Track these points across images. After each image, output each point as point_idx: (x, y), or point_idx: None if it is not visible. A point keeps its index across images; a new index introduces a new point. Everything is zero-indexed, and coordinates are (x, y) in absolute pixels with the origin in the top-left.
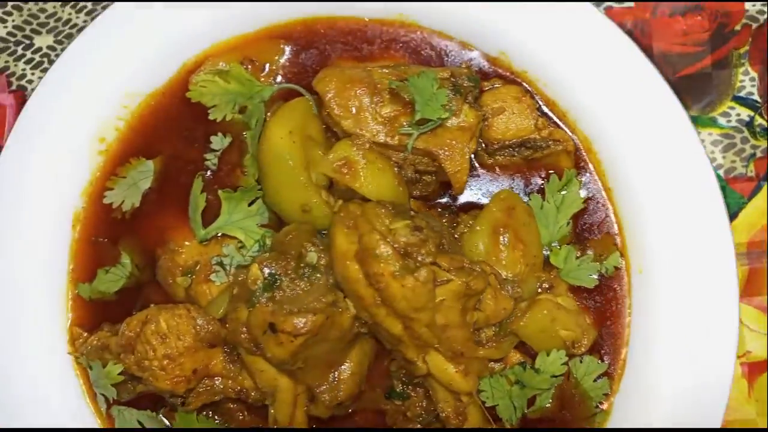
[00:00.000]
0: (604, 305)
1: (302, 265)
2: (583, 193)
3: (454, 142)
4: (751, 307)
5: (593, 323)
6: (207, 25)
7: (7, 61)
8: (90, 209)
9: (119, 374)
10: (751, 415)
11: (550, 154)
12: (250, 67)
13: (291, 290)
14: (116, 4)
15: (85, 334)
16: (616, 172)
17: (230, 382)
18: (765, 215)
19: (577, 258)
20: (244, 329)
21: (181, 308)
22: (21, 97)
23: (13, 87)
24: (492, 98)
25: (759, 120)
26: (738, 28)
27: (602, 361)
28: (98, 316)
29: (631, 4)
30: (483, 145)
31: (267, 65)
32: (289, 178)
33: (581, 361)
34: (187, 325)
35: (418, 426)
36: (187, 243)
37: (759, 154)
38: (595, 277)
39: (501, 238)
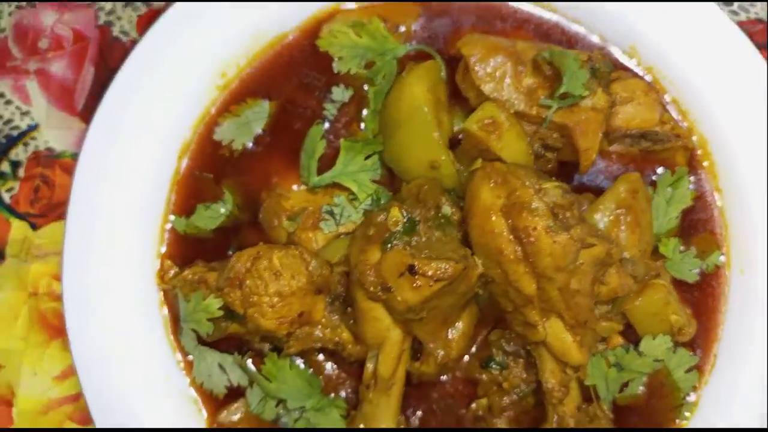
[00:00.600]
0: (700, 300)
1: (439, 215)
2: (691, 192)
3: (588, 120)
4: None
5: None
6: None
7: None
8: (199, 143)
9: (218, 309)
10: None
11: (667, 149)
12: (384, 26)
13: (427, 238)
14: None
15: (176, 268)
16: (728, 175)
17: (329, 331)
18: None
19: (681, 252)
20: (372, 272)
21: (294, 249)
22: (106, 33)
23: (101, 22)
24: (621, 88)
25: None
26: None
27: (694, 354)
28: (191, 252)
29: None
30: (604, 132)
31: (401, 27)
32: (423, 132)
33: (674, 352)
34: (300, 266)
35: (513, 398)
36: (295, 188)
37: None
38: (697, 272)
39: (622, 218)
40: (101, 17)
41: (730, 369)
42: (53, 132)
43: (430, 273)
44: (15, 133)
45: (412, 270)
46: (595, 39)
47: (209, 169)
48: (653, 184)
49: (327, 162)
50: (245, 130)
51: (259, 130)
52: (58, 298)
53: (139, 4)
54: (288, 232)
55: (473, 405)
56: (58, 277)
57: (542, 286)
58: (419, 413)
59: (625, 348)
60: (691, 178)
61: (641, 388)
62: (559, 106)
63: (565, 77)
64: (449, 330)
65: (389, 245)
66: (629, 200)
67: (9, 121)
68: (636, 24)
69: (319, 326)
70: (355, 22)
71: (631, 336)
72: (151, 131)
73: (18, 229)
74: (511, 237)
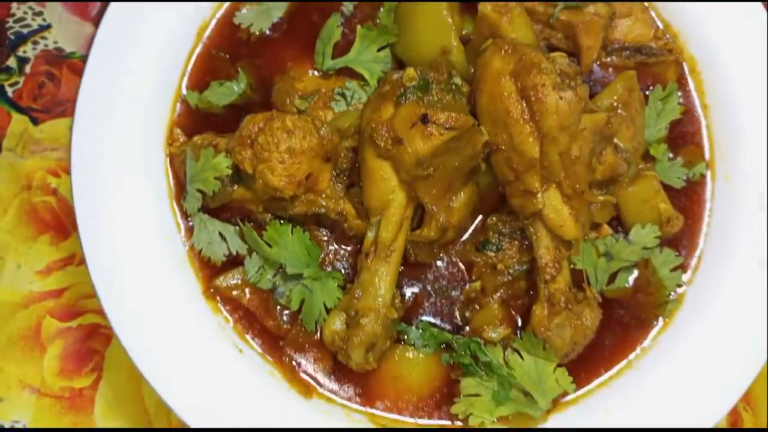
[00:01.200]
0: (687, 205)
1: (450, 81)
2: (680, 106)
3: (592, 21)
4: None
5: None
6: None
7: None
8: (218, 24)
9: (227, 167)
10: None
11: (659, 63)
12: None
13: (438, 99)
14: None
15: (185, 137)
16: (714, 92)
17: (332, 201)
18: None
19: (670, 159)
20: (385, 128)
21: (306, 116)
22: None
23: None
24: (620, 4)
25: None
26: None
27: (679, 254)
28: (200, 126)
29: None
30: (602, 43)
31: None
32: (436, 18)
33: (660, 252)
34: (312, 129)
35: (506, 278)
36: (309, 72)
37: None
38: (683, 179)
39: (619, 113)
40: None
41: (714, 271)
42: (64, 33)
43: (442, 120)
44: (25, 31)
45: (425, 119)
46: None
47: (226, 50)
48: (646, 98)
49: (340, 52)
50: (265, 16)
51: (277, 18)
52: (52, 192)
53: None
54: (299, 110)
55: (467, 287)
56: (54, 173)
57: (545, 150)
58: (414, 292)
59: (615, 237)
60: (680, 94)
61: (629, 282)
62: (566, 5)
63: None
64: (452, 197)
65: (404, 99)
66: (626, 96)
67: (21, 20)
68: None
69: (324, 195)
70: None
71: (624, 227)
72: (171, 11)
73: (18, 122)
74: (518, 97)
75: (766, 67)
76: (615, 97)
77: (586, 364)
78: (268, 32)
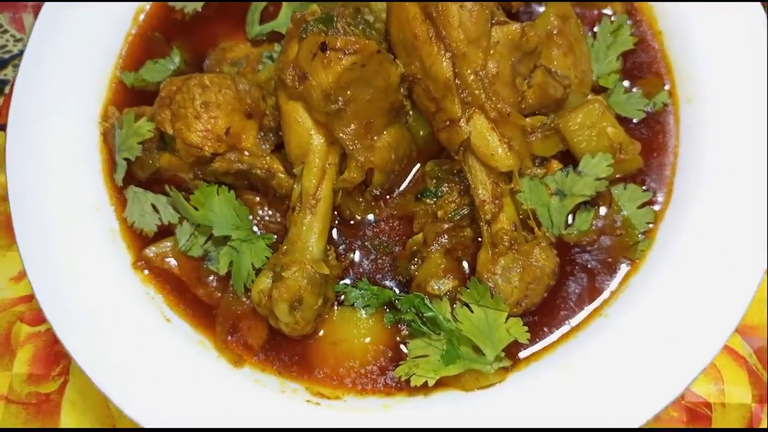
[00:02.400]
0: (650, 137)
1: (359, 17)
2: (633, 36)
3: None
4: None
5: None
6: None
7: None
8: (154, 7)
9: (149, 131)
10: None
11: None
12: None
13: (345, 33)
14: None
15: (118, 115)
16: (667, 17)
17: (258, 159)
18: None
19: (626, 92)
20: (291, 67)
21: (226, 74)
22: None
23: None
24: None
25: None
26: None
27: (646, 189)
28: (137, 103)
29: None
30: None
31: None
32: None
33: (625, 188)
34: (229, 84)
35: (447, 225)
36: (240, 45)
37: None
38: (643, 110)
39: (555, 40)
40: None
41: (686, 202)
42: None
43: (339, 45)
44: (6, 56)
45: (323, 47)
46: None
47: (162, 30)
48: (594, 35)
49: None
50: None
51: None
52: None
53: None
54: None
55: (409, 240)
56: None
57: (459, 70)
58: (354, 251)
59: (564, 171)
60: (630, 23)
61: (591, 224)
62: None
63: None
64: (373, 136)
65: (305, 33)
66: (560, 24)
67: (2, 47)
68: None
69: (248, 152)
70: None
71: (576, 159)
72: None
73: None
74: (423, 17)
75: None
76: (547, 25)
77: (550, 316)
78: (200, 10)
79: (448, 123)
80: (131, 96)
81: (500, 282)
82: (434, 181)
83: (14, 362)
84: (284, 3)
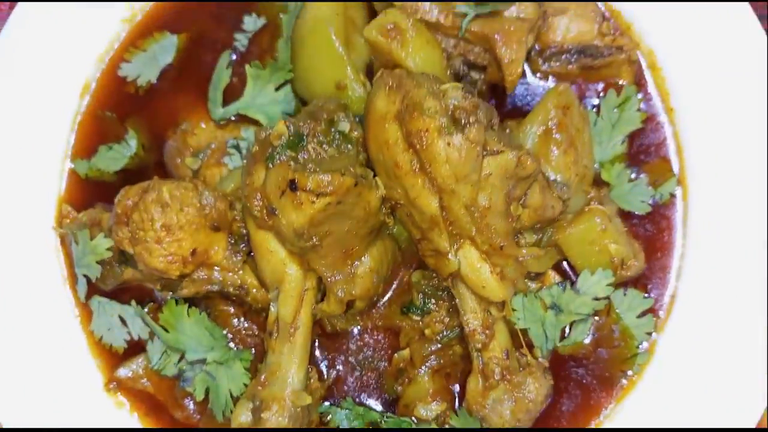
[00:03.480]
0: (654, 235)
1: (333, 130)
2: (641, 113)
3: (512, 28)
4: None
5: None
6: None
7: None
8: (102, 80)
9: (108, 249)
10: None
11: (610, 64)
12: None
13: (317, 154)
14: None
15: (75, 213)
16: (680, 92)
17: (230, 275)
18: None
19: (630, 180)
20: (258, 195)
21: (187, 182)
22: None
23: None
24: None
25: None
26: None
27: (648, 296)
28: (93, 197)
29: None
30: (537, 49)
31: None
32: (327, 49)
33: (625, 294)
34: (192, 198)
35: (435, 347)
36: (202, 125)
37: None
38: (648, 203)
39: (553, 137)
40: None
41: (691, 313)
42: None
43: (309, 186)
44: None
45: (292, 185)
46: None
47: (113, 107)
48: (597, 108)
49: (238, 96)
50: (152, 64)
51: (166, 64)
52: None
53: None
54: (192, 170)
55: (395, 356)
56: None
57: (446, 204)
58: (337, 367)
59: (561, 286)
60: (639, 97)
61: (586, 335)
62: (477, 13)
63: None
64: (353, 264)
65: (271, 162)
66: (559, 116)
67: None
68: None
69: (218, 268)
70: None
71: (574, 271)
72: (51, 66)
73: None
74: (405, 145)
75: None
76: (546, 119)
77: None
78: (156, 82)
79: (434, 252)
80: (86, 187)
81: (490, 415)
82: (420, 295)
83: None
84: (249, 80)
